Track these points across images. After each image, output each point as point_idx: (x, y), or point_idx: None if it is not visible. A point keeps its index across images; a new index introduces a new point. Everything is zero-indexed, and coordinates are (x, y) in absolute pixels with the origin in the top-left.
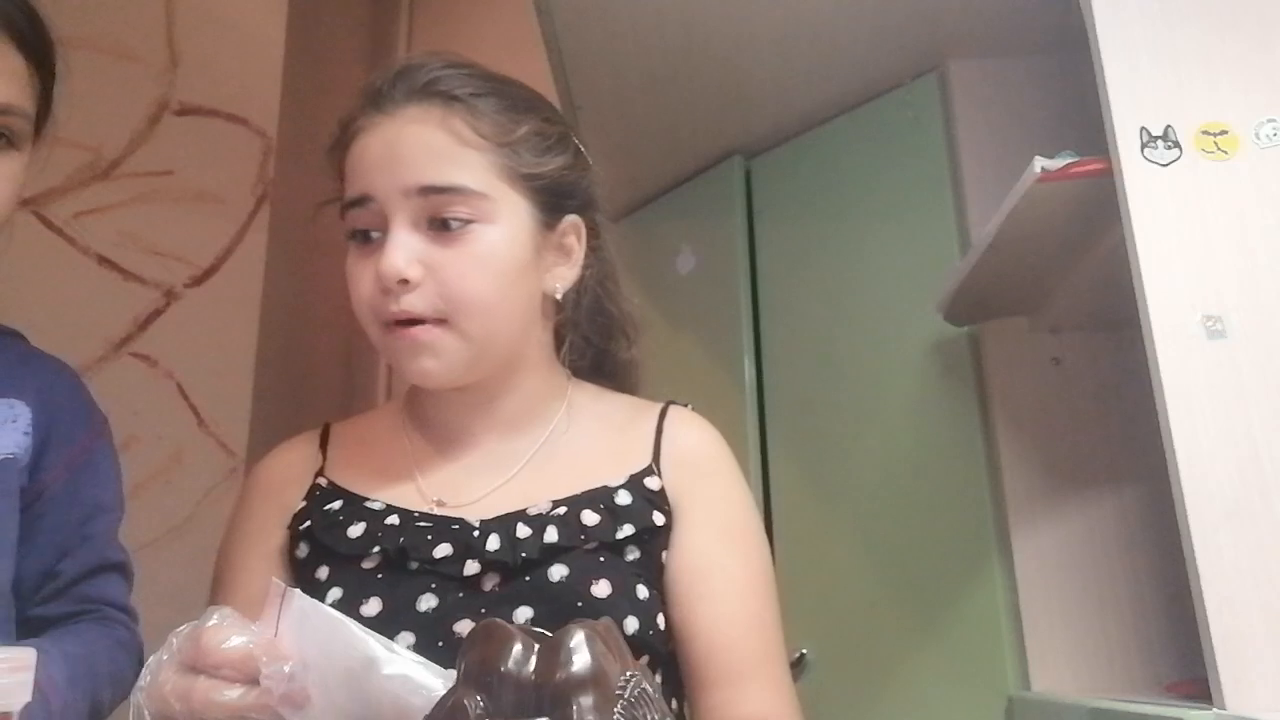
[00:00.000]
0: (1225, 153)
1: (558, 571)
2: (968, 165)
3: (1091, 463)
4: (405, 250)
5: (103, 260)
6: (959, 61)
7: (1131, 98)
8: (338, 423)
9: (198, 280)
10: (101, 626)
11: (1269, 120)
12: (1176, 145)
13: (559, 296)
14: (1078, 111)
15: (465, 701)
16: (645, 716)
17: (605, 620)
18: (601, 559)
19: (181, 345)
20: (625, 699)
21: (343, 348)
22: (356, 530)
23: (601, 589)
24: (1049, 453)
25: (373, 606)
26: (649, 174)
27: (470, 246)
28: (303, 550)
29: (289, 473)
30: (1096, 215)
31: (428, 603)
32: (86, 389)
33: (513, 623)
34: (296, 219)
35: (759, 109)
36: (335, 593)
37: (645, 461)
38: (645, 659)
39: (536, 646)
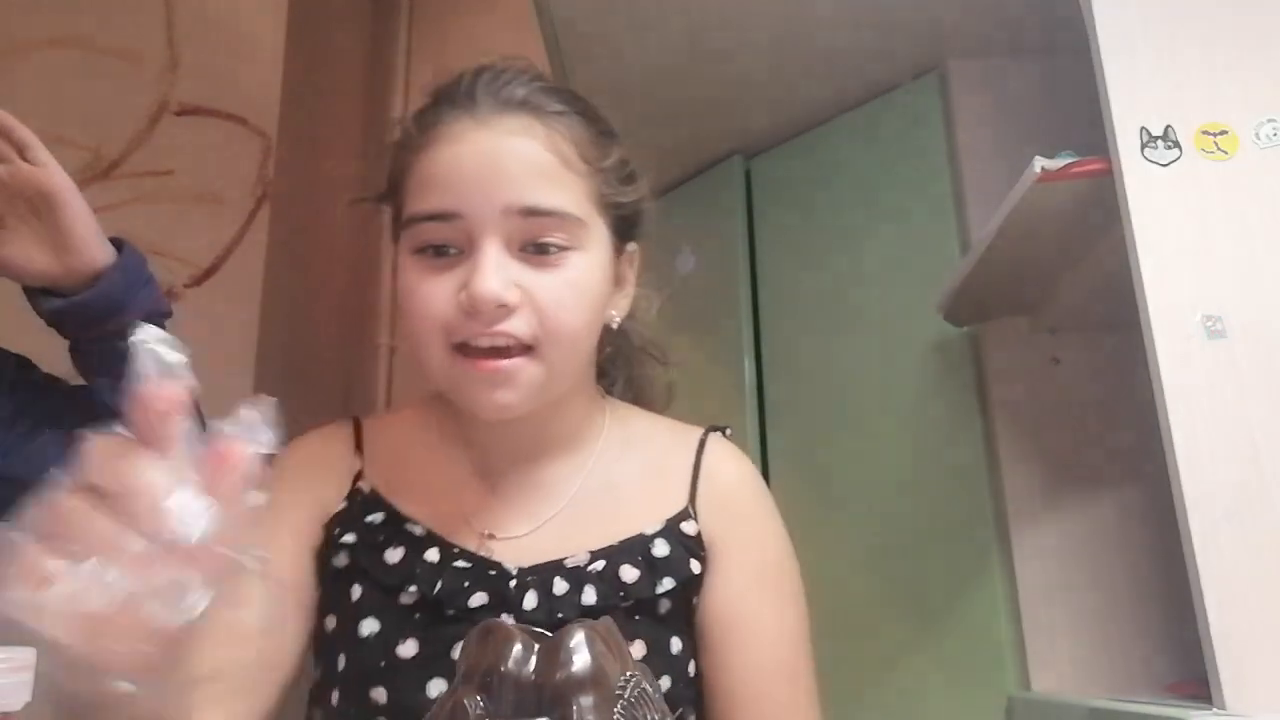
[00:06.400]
0: (1225, 153)
1: None
2: (968, 165)
3: (1091, 463)
4: (503, 272)
5: None
6: (959, 61)
7: (1131, 98)
8: (367, 420)
9: (198, 280)
10: None
11: (1269, 120)
12: (1176, 145)
13: (615, 325)
14: (1078, 111)
15: (465, 701)
16: (645, 716)
17: (605, 620)
18: (637, 618)
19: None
20: (625, 699)
21: (343, 347)
22: (394, 555)
23: (637, 649)
24: (1049, 453)
25: (410, 648)
26: (649, 174)
27: (566, 273)
28: (341, 559)
29: (327, 464)
30: (1096, 215)
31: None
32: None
33: None
34: (296, 219)
35: (759, 109)
36: (371, 624)
37: (682, 503)
38: (679, 712)
39: (536, 646)
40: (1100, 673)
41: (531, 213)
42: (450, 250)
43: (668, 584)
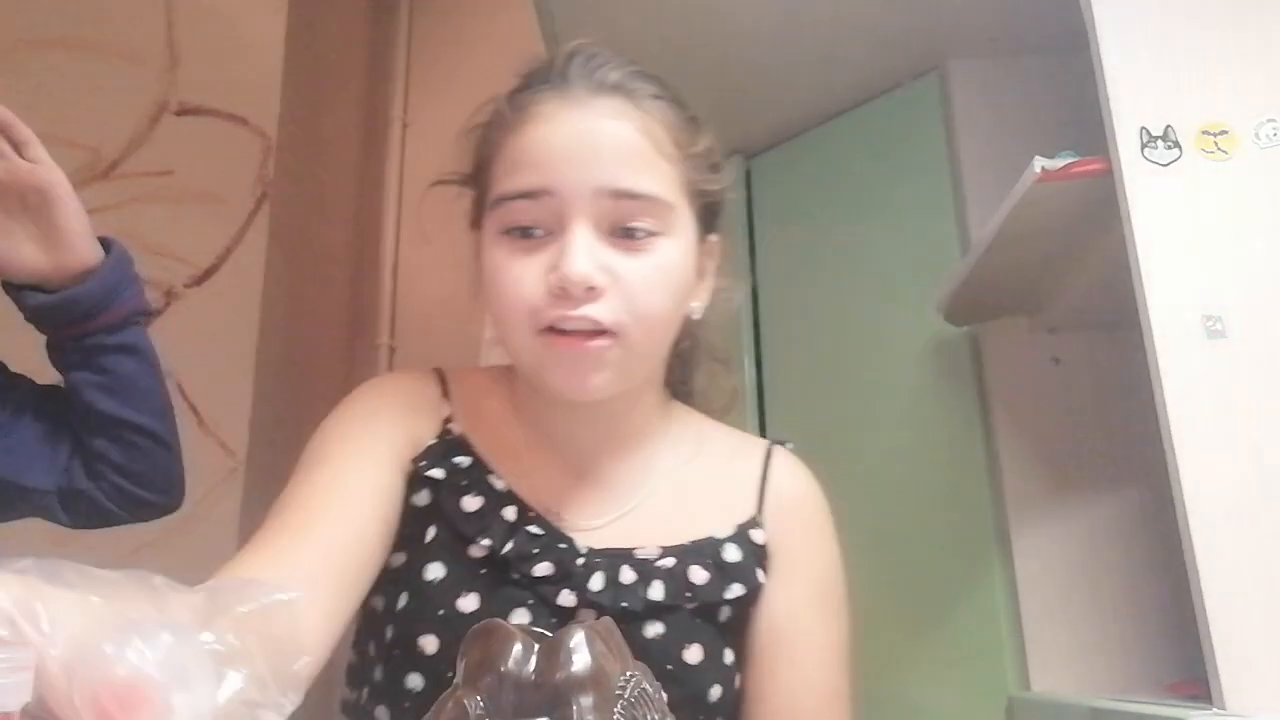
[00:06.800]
0: (1225, 153)
1: (653, 629)
2: (968, 165)
3: (1091, 463)
4: (592, 255)
5: None
6: (959, 61)
7: (1131, 98)
8: (449, 370)
9: (198, 280)
10: None
11: (1269, 120)
12: (1176, 145)
13: (696, 317)
14: (1078, 111)
15: (465, 701)
16: (645, 716)
17: (605, 620)
18: (697, 621)
19: (181, 345)
20: (625, 699)
21: (343, 347)
22: (473, 503)
23: (693, 654)
24: (1049, 453)
25: (471, 602)
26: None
27: (653, 258)
28: (423, 497)
29: (421, 399)
30: (1096, 215)
31: (519, 618)
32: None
33: None
34: (296, 219)
35: (759, 109)
36: (438, 569)
37: (751, 510)
38: None
39: (536, 646)
40: (1100, 673)
41: (623, 195)
42: (537, 232)
43: (736, 590)
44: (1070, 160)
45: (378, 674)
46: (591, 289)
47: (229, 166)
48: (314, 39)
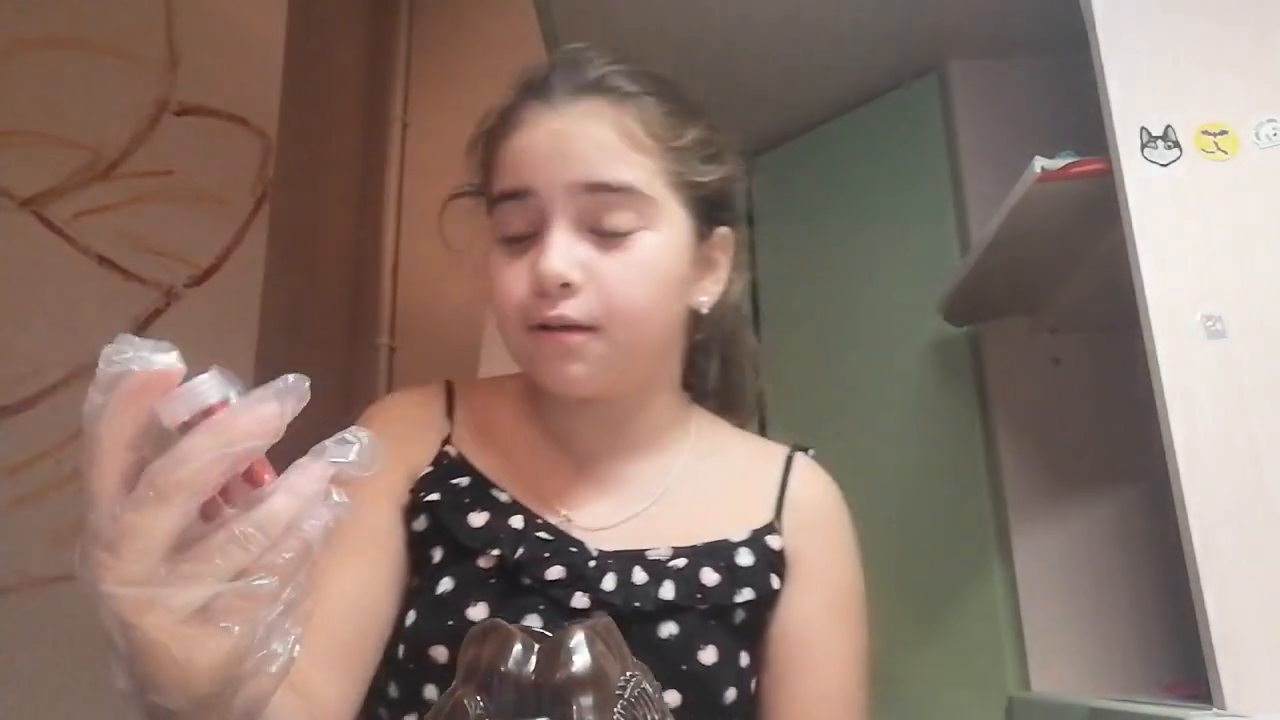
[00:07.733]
0: (1225, 153)
1: (667, 629)
2: (968, 165)
3: (1091, 463)
4: (567, 252)
5: (103, 260)
6: (959, 61)
7: (1131, 98)
8: (460, 384)
9: (198, 280)
10: None
11: (1269, 120)
12: (1176, 145)
13: (704, 311)
14: (1078, 111)
15: (465, 701)
16: (645, 716)
17: (605, 620)
18: (711, 622)
19: (181, 345)
20: (625, 699)
21: (343, 347)
22: (479, 519)
23: (709, 655)
24: (1049, 453)
25: (480, 611)
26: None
27: (632, 253)
28: (421, 523)
29: (419, 424)
30: (1096, 215)
31: (531, 624)
32: None
33: None
34: (296, 219)
35: (759, 109)
36: (447, 583)
37: (768, 516)
38: None
39: (536, 646)
40: (1100, 673)
41: (597, 189)
42: (528, 234)
43: (747, 594)
44: (1070, 160)
45: (393, 690)
46: (566, 285)
47: (229, 166)
48: (314, 39)
